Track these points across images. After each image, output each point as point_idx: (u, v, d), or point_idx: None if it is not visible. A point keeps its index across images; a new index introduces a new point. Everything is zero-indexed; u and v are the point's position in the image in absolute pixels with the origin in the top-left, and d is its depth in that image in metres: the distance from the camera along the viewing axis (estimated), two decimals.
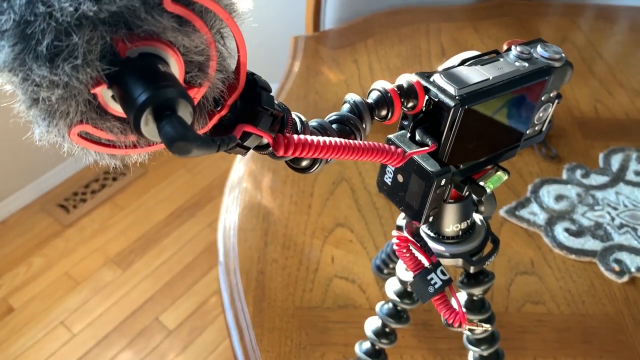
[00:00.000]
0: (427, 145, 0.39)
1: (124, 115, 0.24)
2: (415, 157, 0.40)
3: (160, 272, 1.72)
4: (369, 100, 0.39)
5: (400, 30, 1.25)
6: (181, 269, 1.72)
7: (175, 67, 0.24)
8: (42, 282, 1.69)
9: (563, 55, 0.44)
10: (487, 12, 1.33)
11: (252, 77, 0.29)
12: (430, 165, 0.39)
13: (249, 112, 0.29)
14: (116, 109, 0.24)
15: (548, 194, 0.89)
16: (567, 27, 1.31)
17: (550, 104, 0.47)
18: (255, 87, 0.29)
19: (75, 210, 1.90)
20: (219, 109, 0.28)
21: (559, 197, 0.89)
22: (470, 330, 0.54)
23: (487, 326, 0.48)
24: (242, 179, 0.92)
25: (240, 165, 0.95)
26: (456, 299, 0.43)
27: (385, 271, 0.73)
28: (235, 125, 0.29)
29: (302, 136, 0.30)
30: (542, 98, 0.45)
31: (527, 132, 0.47)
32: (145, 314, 1.61)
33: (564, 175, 0.92)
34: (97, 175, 2.00)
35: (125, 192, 1.95)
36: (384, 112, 0.39)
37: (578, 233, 0.83)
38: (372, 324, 0.59)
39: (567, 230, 0.84)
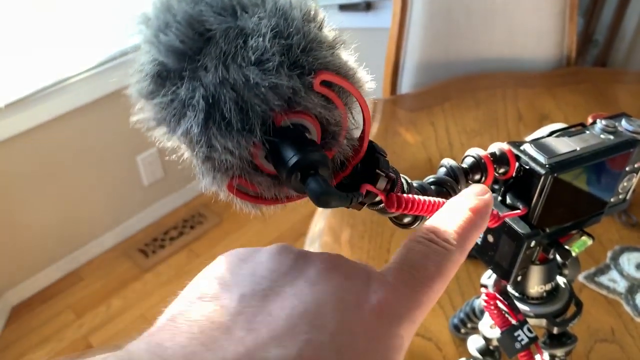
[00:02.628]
0: (518, 209, 0.43)
1: (273, 172, 0.29)
2: (507, 219, 0.43)
3: None
4: (464, 165, 0.43)
5: (476, 95, 1.29)
6: None
7: (315, 135, 0.29)
8: (120, 322, 1.78)
9: None
10: (564, 78, 1.35)
11: (371, 144, 0.33)
12: (521, 227, 0.43)
13: (367, 173, 0.33)
14: (267, 166, 0.29)
15: (628, 261, 0.88)
16: None
17: (635, 174, 0.49)
18: (374, 152, 0.33)
19: (153, 256, 2.00)
20: (343, 169, 0.32)
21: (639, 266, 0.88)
22: None
23: None
24: (322, 232, 0.97)
25: (321, 220, 1.00)
26: (542, 355, 0.44)
27: (463, 330, 0.75)
28: (355, 184, 0.33)
29: (410, 195, 0.34)
30: (627, 168, 0.47)
31: (612, 200, 0.50)
32: None
33: None
34: (177, 223, 2.11)
35: (201, 240, 2.04)
36: (477, 177, 0.43)
37: None
38: None
39: None
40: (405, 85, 1.46)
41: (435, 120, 1.22)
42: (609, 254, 0.90)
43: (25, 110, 1.64)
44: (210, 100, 0.26)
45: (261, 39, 0.26)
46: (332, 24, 0.30)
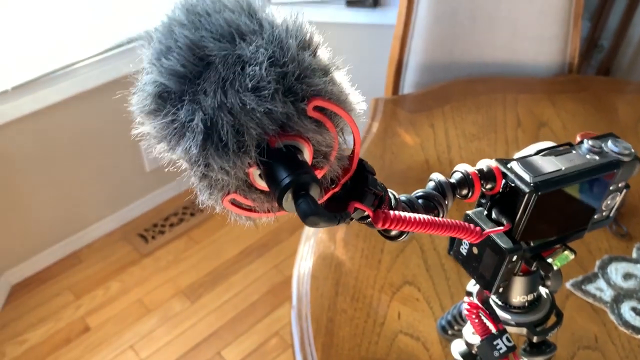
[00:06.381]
0: (502, 224, 0.44)
1: (267, 189, 0.31)
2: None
3: (226, 307, 1.80)
4: (452, 180, 0.45)
5: (477, 99, 1.30)
6: (246, 306, 1.80)
7: (308, 155, 0.31)
8: (117, 306, 1.80)
9: (632, 151, 0.49)
10: (565, 86, 1.37)
11: (360, 163, 0.35)
12: (504, 242, 0.44)
13: (356, 190, 0.35)
14: (261, 184, 0.31)
15: (616, 271, 0.90)
16: None
17: (618, 193, 0.51)
18: (364, 170, 0.35)
19: (153, 241, 2.02)
20: (333, 186, 0.34)
21: (627, 276, 0.90)
22: None
23: None
24: (318, 230, 0.99)
25: None
26: None
27: (450, 332, 0.77)
28: (344, 200, 0.35)
29: (397, 212, 0.36)
30: (611, 188, 0.49)
31: (595, 217, 0.51)
32: (208, 347, 1.68)
33: (634, 254, 0.93)
34: (177, 209, 2.13)
35: (200, 228, 2.06)
36: (464, 192, 0.45)
37: None
38: None
39: (634, 309, 0.85)
40: (408, 84, 1.48)
41: (434, 122, 1.23)
42: (598, 262, 0.92)
43: (32, 93, 1.65)
44: (209, 123, 0.27)
45: (258, 67, 0.27)
46: (327, 46, 0.32)
